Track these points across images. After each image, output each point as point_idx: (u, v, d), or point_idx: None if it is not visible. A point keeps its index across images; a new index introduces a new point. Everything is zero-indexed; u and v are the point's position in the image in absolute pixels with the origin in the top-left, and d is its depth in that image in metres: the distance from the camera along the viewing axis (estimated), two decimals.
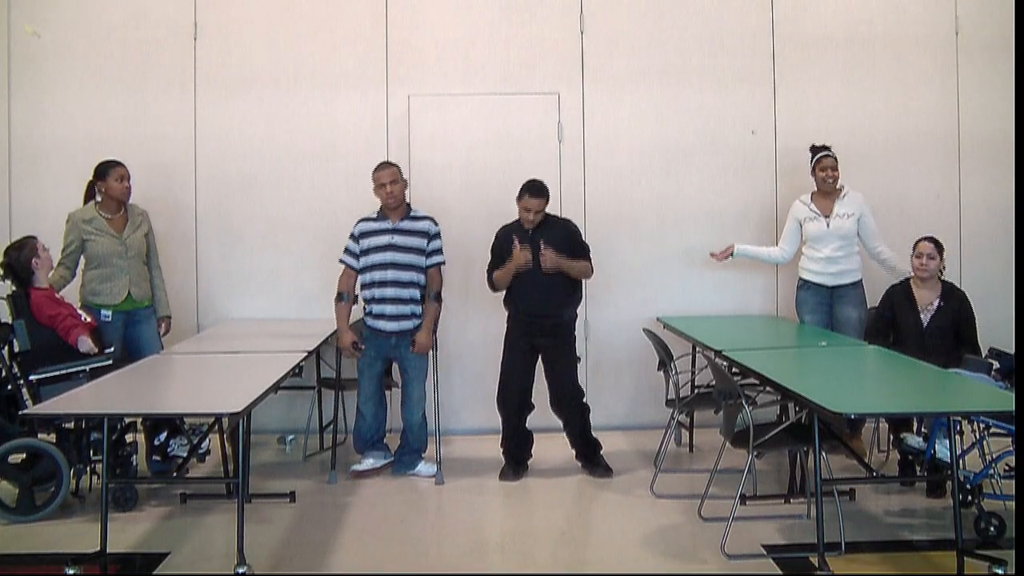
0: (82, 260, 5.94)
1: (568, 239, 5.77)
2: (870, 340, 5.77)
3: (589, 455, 5.85)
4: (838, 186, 6.21)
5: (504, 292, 5.83)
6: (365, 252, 5.70)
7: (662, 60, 6.92)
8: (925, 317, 5.63)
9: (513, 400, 5.79)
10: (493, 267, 5.81)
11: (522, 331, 5.76)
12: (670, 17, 6.93)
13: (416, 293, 5.72)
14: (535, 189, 5.72)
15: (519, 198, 5.73)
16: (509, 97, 6.88)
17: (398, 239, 5.69)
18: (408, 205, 5.80)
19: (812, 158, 6.26)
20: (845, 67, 6.94)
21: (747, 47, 6.94)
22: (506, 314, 5.87)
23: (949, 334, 5.57)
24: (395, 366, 6.00)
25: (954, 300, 5.65)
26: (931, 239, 5.70)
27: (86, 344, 5.30)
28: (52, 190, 6.65)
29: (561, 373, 5.78)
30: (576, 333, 5.91)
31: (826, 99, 6.91)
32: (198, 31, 6.83)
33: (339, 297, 5.74)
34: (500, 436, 5.87)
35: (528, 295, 5.68)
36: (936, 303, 5.63)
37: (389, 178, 5.68)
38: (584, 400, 5.87)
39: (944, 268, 5.74)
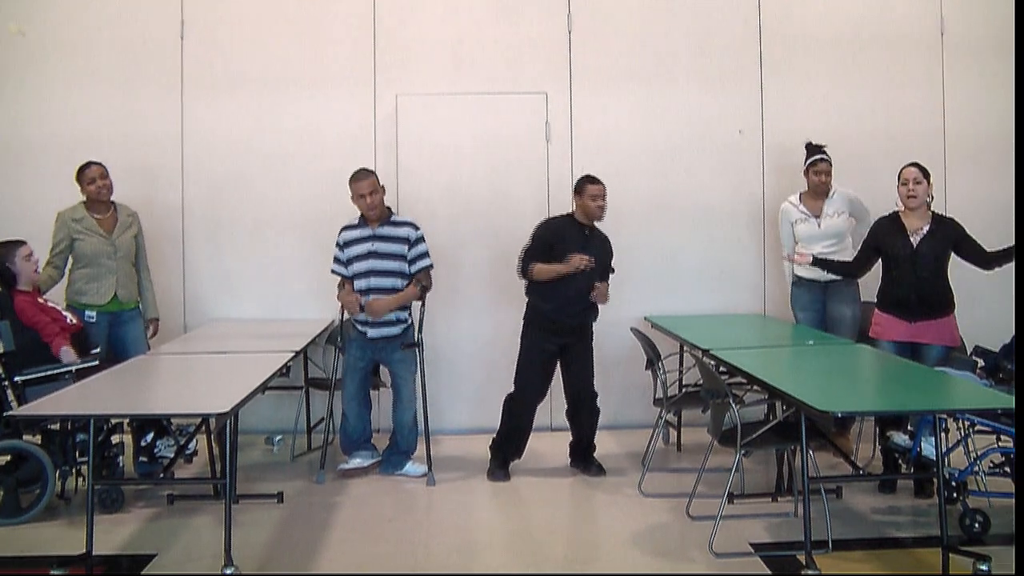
0: (70, 259, 5.93)
1: (607, 256, 5.76)
2: (857, 270, 5.79)
3: (583, 455, 5.85)
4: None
5: (530, 285, 5.74)
6: (350, 260, 5.67)
7: (650, 60, 6.94)
8: (915, 240, 5.44)
9: (529, 405, 5.76)
10: (534, 255, 5.67)
11: (548, 330, 5.69)
12: (658, 16, 6.94)
13: None
14: (593, 177, 5.72)
15: (580, 192, 5.68)
16: (497, 97, 6.88)
17: (378, 246, 5.64)
18: (388, 210, 5.76)
19: (807, 158, 6.24)
20: (832, 67, 6.97)
21: (734, 47, 6.96)
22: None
23: (942, 261, 5.42)
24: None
25: (945, 226, 5.46)
26: (915, 164, 5.54)
27: (68, 356, 5.27)
28: (37, 189, 6.62)
29: (581, 374, 5.77)
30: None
31: (813, 99, 6.94)
32: (185, 30, 6.81)
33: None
34: (494, 435, 5.84)
35: (563, 294, 5.60)
36: (926, 227, 5.44)
37: (368, 189, 5.59)
38: (597, 403, 5.85)
39: (932, 197, 5.56)
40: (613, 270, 5.83)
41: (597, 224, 5.76)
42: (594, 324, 5.80)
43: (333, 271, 5.74)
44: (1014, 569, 3.90)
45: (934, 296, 5.39)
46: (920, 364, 5.08)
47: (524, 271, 5.69)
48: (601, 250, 5.70)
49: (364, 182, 5.62)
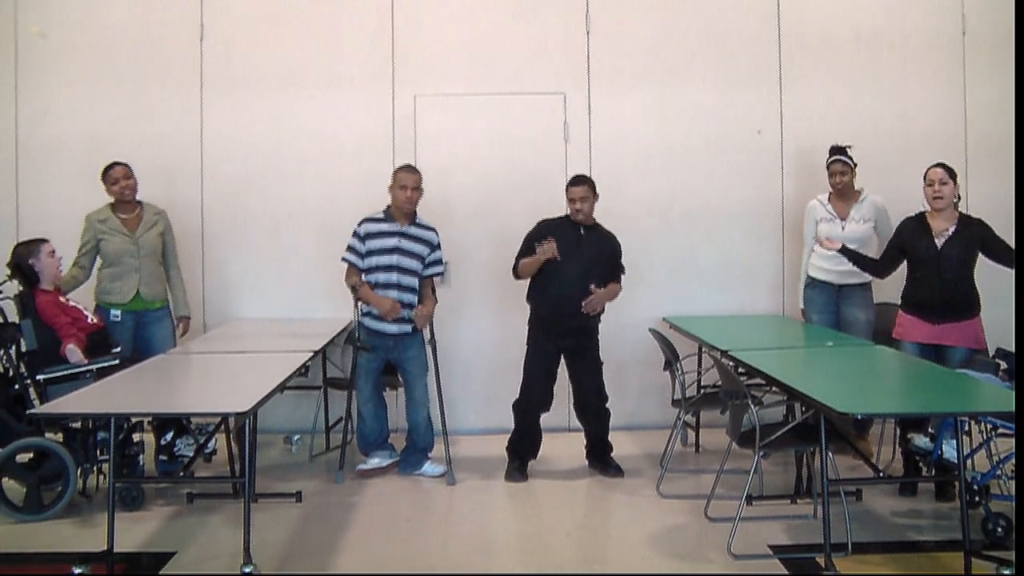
0: (99, 260, 6.01)
1: (610, 255, 5.77)
2: (882, 270, 5.73)
3: (601, 456, 5.85)
4: (857, 188, 6.18)
5: (528, 289, 5.79)
6: (370, 253, 5.69)
7: (668, 60, 6.93)
8: (940, 242, 5.39)
9: (535, 406, 5.77)
10: (523, 255, 5.75)
11: (548, 333, 5.72)
12: (676, 16, 6.93)
13: (414, 299, 5.74)
14: (575, 178, 5.78)
15: (567, 193, 5.74)
16: (515, 97, 6.88)
17: (405, 243, 5.69)
18: (414, 211, 5.81)
19: (828, 157, 6.22)
20: (851, 67, 6.93)
21: (753, 47, 6.94)
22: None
23: (967, 262, 5.38)
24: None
25: (972, 226, 5.39)
26: (941, 164, 5.49)
27: (75, 355, 5.29)
28: (58, 190, 6.69)
29: (587, 377, 5.77)
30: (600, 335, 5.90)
31: (832, 99, 6.91)
32: (204, 31, 6.84)
33: (355, 288, 5.71)
34: (509, 436, 5.86)
35: (556, 295, 5.64)
36: (952, 229, 5.39)
37: (413, 183, 5.70)
38: (607, 405, 5.85)
39: (959, 197, 5.52)
40: (623, 269, 5.83)
41: (602, 224, 5.81)
42: (600, 327, 5.82)
43: (345, 259, 5.74)
44: (1015, 569, 3.86)
45: (958, 298, 5.35)
46: (942, 366, 5.04)
47: (514, 270, 5.78)
48: (597, 250, 5.71)
49: (412, 176, 5.73)
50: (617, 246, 5.82)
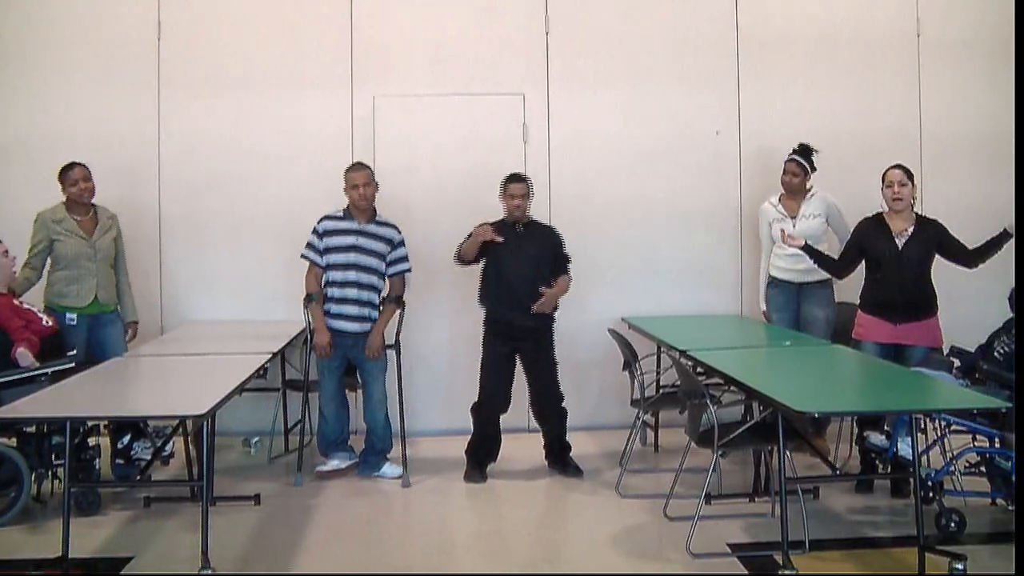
0: (48, 261, 5.89)
1: (552, 246, 5.80)
2: (841, 269, 5.75)
3: (560, 456, 5.86)
4: (807, 186, 6.24)
5: (479, 291, 5.79)
6: (327, 250, 5.67)
7: (627, 61, 6.95)
8: (900, 242, 5.44)
9: (493, 408, 5.77)
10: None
11: (501, 334, 5.73)
12: (635, 18, 6.96)
13: (375, 297, 5.74)
14: (516, 176, 5.79)
15: (503, 192, 5.76)
16: (474, 98, 6.88)
17: (363, 241, 5.67)
18: (374, 209, 5.79)
19: (790, 152, 6.28)
20: (809, 68, 7.00)
21: (712, 48, 6.99)
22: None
23: (926, 262, 5.44)
24: None
25: (930, 226, 5.48)
26: (900, 165, 5.55)
27: (26, 359, 5.18)
28: (11, 191, 6.57)
29: (543, 379, 5.78)
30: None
31: (790, 99, 6.97)
32: (162, 31, 6.77)
33: (309, 298, 5.68)
34: (468, 439, 5.86)
35: (506, 296, 5.66)
36: (911, 229, 5.45)
37: (363, 180, 5.68)
38: (563, 405, 5.85)
39: (915, 198, 5.61)
40: (569, 259, 5.85)
41: (537, 219, 5.90)
42: (555, 326, 5.85)
43: (304, 256, 5.73)
44: (1014, 569, 3.89)
45: (919, 298, 5.42)
46: (899, 365, 5.10)
47: (457, 255, 5.78)
48: (538, 245, 5.74)
49: (360, 173, 5.71)
50: (558, 237, 5.86)
